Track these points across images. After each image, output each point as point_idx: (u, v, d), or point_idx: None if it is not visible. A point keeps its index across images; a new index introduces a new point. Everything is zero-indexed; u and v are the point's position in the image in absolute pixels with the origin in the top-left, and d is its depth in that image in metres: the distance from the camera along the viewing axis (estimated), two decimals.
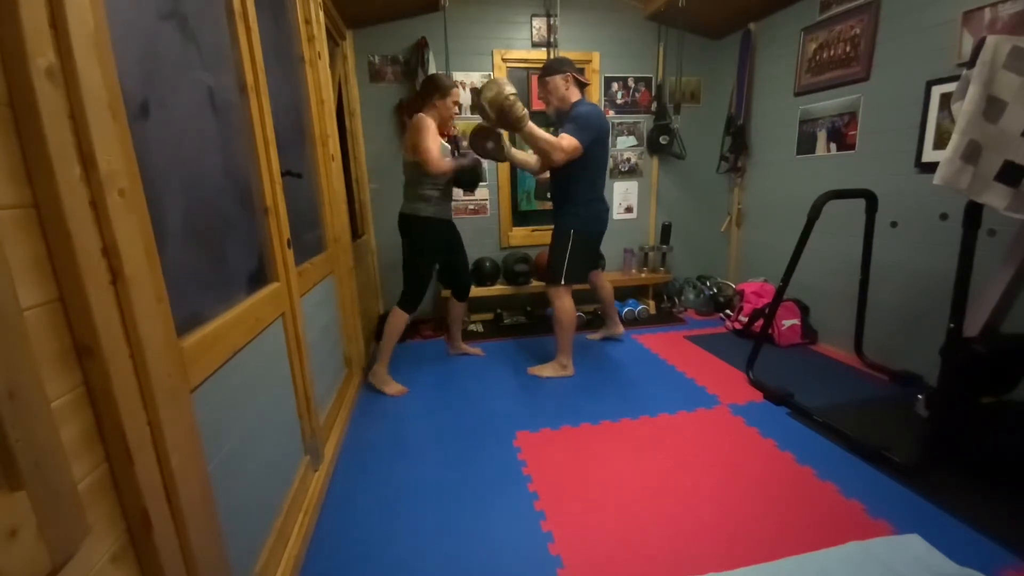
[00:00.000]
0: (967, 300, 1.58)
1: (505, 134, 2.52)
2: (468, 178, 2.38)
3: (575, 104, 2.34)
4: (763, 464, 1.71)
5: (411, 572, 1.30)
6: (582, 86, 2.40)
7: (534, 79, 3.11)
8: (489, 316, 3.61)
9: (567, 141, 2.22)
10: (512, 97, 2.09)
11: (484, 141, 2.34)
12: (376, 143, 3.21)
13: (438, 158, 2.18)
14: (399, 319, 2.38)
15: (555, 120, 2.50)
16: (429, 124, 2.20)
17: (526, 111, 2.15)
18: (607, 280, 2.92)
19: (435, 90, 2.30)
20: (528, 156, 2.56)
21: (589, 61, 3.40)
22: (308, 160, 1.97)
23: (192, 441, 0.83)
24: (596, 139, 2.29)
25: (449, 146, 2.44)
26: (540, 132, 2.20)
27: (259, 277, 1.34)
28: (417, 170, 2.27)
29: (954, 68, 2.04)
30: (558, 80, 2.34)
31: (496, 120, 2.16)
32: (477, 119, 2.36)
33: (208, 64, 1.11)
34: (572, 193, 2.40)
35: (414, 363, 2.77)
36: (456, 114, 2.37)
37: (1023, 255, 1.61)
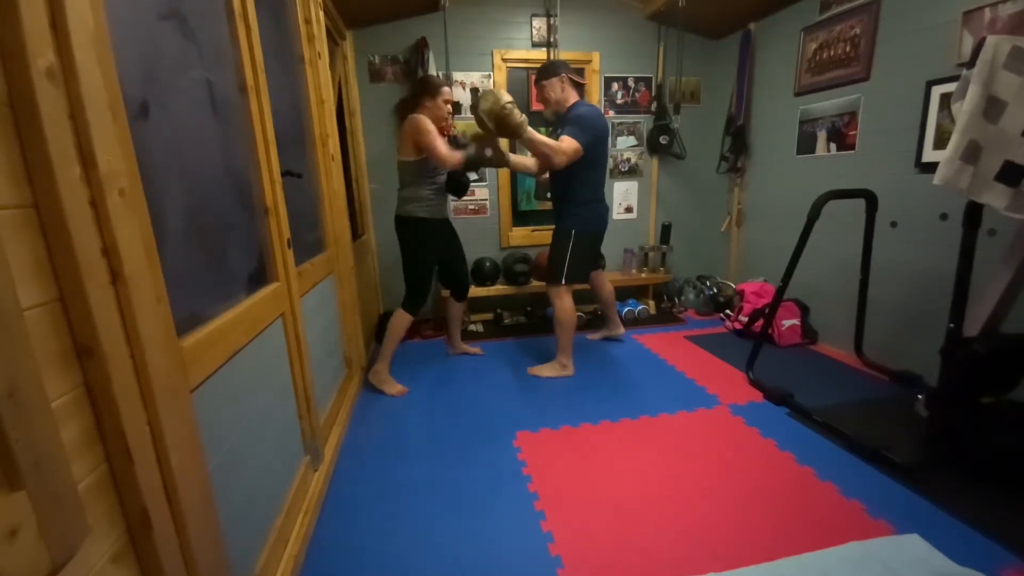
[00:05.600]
0: (967, 300, 1.58)
1: (505, 142, 2.52)
2: (468, 171, 2.36)
3: (573, 105, 2.34)
4: (763, 464, 1.71)
5: (411, 572, 1.30)
6: (579, 87, 2.40)
7: (534, 79, 3.11)
8: (489, 316, 3.61)
9: (567, 143, 2.22)
10: (509, 105, 2.08)
11: (483, 149, 2.35)
12: (376, 143, 3.21)
13: (448, 153, 2.19)
14: (402, 320, 2.38)
15: (553, 122, 2.50)
16: (429, 124, 2.19)
17: (524, 117, 2.13)
18: (608, 280, 2.91)
19: (425, 91, 2.31)
20: (526, 160, 2.58)
21: (589, 61, 3.40)
22: (308, 160, 1.97)
23: (192, 441, 0.83)
24: (596, 140, 2.29)
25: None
26: (540, 137, 2.20)
27: (259, 277, 1.33)
28: (411, 171, 2.27)
29: (954, 68, 2.04)
30: (554, 82, 2.35)
31: (495, 129, 2.15)
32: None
33: (208, 64, 1.11)
34: (572, 194, 2.40)
35: (414, 363, 2.77)
36: (450, 113, 2.37)
37: (1023, 255, 1.61)
